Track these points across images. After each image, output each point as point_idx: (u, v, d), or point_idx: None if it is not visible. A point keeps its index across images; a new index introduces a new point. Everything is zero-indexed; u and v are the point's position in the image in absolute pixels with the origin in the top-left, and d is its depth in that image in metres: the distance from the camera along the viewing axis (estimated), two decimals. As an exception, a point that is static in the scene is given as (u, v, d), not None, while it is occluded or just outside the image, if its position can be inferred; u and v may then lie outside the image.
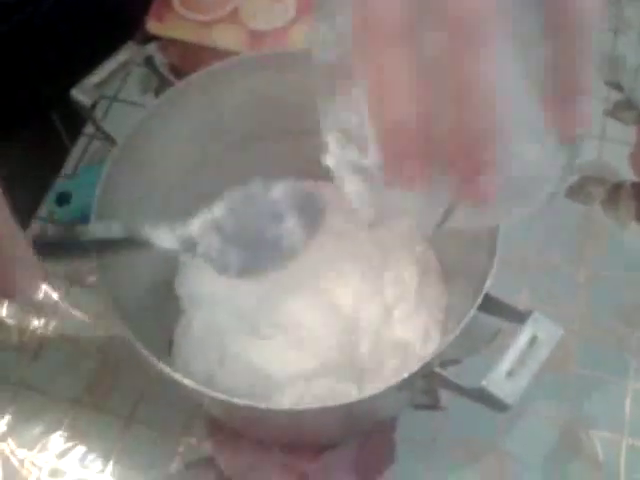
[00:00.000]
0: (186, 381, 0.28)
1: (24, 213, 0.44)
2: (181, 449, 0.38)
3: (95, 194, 0.31)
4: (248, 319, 0.37)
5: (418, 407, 0.36)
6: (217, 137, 0.37)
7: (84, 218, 0.43)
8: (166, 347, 0.38)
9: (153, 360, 0.28)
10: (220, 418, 0.37)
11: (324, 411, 0.27)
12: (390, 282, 0.38)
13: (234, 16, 0.50)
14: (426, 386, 0.30)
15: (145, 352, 0.28)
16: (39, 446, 0.38)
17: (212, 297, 0.38)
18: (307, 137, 0.39)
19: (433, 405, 0.34)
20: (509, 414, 0.29)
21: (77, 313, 0.41)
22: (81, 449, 0.38)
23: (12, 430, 0.38)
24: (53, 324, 0.41)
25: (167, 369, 0.28)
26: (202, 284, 0.38)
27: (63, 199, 0.43)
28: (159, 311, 0.37)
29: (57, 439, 0.38)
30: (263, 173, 0.41)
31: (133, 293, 0.33)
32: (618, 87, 0.48)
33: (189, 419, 0.38)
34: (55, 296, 0.42)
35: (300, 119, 0.38)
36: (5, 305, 0.42)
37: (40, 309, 0.42)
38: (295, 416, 0.28)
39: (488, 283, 0.28)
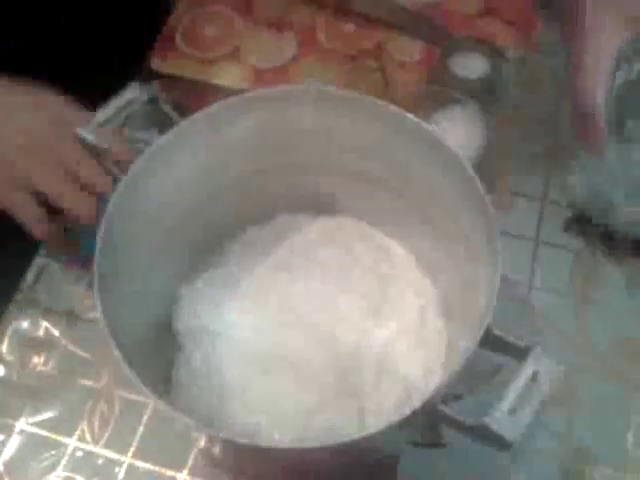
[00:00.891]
0: (186, 418, 0.28)
1: (28, 247, 0.45)
2: (180, 486, 0.37)
3: (99, 229, 0.32)
4: (247, 352, 0.37)
5: (420, 445, 0.36)
6: (219, 174, 0.38)
7: (88, 253, 0.43)
8: (165, 382, 0.38)
9: (153, 397, 0.28)
10: (220, 455, 0.36)
11: (324, 449, 0.27)
12: (390, 316, 0.38)
13: (236, 54, 0.51)
14: (428, 423, 0.29)
15: (145, 389, 0.28)
16: (36, 485, 0.38)
17: (210, 331, 0.38)
18: (306, 172, 0.40)
19: (435, 443, 0.34)
20: (512, 449, 0.29)
21: (77, 349, 0.41)
22: (79, 488, 0.38)
23: (9, 469, 0.38)
24: (53, 360, 0.41)
25: (166, 406, 0.28)
26: (199, 318, 0.38)
27: (68, 235, 0.43)
28: (159, 346, 0.37)
29: (54, 479, 0.38)
30: (262, 207, 0.41)
31: (133, 329, 0.33)
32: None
33: (188, 454, 0.38)
34: (55, 332, 0.42)
35: (299, 155, 0.39)
36: (5, 342, 0.42)
37: (40, 345, 0.42)
38: (295, 454, 0.28)
39: (487, 319, 0.28)
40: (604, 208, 0.42)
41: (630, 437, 0.38)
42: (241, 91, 0.37)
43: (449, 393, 0.30)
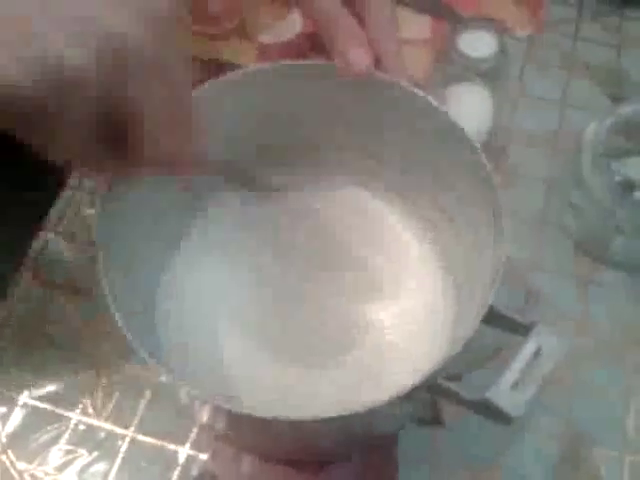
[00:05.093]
0: (190, 390, 0.28)
1: (26, 230, 0.44)
2: (182, 460, 0.38)
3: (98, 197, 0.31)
4: (244, 325, 0.37)
5: (420, 422, 0.36)
6: (221, 149, 0.37)
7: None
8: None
9: (158, 367, 0.28)
10: (223, 428, 0.36)
11: (325, 422, 0.27)
12: (397, 294, 0.38)
13: (241, 30, 0.50)
14: (429, 399, 0.30)
15: (150, 359, 0.28)
16: (39, 459, 0.38)
17: (203, 303, 0.37)
18: (310, 148, 0.39)
19: (435, 421, 0.34)
20: (511, 430, 0.29)
21: (79, 323, 0.41)
22: (81, 462, 0.38)
23: (12, 442, 0.38)
24: (56, 334, 0.41)
25: (172, 377, 0.28)
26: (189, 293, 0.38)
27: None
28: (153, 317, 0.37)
29: (57, 452, 0.38)
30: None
31: (133, 301, 0.33)
32: (621, 100, 0.48)
33: (190, 428, 0.38)
34: (59, 306, 0.42)
35: (304, 130, 0.38)
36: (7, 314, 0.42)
37: (43, 320, 0.42)
38: (296, 427, 0.28)
39: (491, 298, 0.28)
40: (602, 249, 0.42)
41: (630, 420, 0.38)
42: (246, 67, 0.36)
43: (451, 371, 0.30)
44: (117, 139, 0.23)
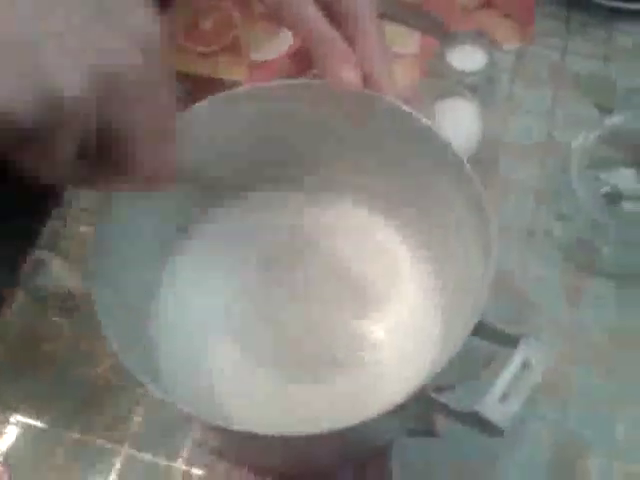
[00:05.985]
0: (182, 407, 0.28)
1: (19, 247, 0.44)
2: (177, 476, 0.38)
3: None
4: (234, 341, 0.37)
5: (413, 433, 0.36)
6: (215, 168, 0.38)
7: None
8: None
9: (151, 389, 0.28)
10: (216, 443, 0.36)
11: (317, 437, 0.27)
12: (390, 309, 0.38)
13: (235, 47, 0.51)
14: (421, 411, 0.30)
15: (144, 378, 0.28)
16: (34, 476, 0.38)
17: (192, 318, 0.38)
18: (302, 165, 0.40)
19: (428, 431, 0.34)
20: (504, 440, 0.29)
21: (74, 341, 0.42)
22: (76, 478, 0.38)
23: (7, 460, 0.38)
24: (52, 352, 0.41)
25: (164, 395, 0.28)
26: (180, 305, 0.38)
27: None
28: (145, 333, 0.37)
29: (52, 469, 0.38)
30: (262, 201, 0.41)
31: (127, 319, 0.33)
32: (610, 111, 0.48)
33: (184, 446, 0.38)
34: (53, 324, 0.42)
35: (297, 148, 0.39)
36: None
37: (39, 337, 0.42)
38: (288, 443, 0.28)
39: (480, 310, 0.29)
40: (591, 259, 0.42)
41: (621, 428, 0.38)
42: (239, 84, 0.37)
43: (442, 383, 0.31)
44: (102, 157, 0.24)
